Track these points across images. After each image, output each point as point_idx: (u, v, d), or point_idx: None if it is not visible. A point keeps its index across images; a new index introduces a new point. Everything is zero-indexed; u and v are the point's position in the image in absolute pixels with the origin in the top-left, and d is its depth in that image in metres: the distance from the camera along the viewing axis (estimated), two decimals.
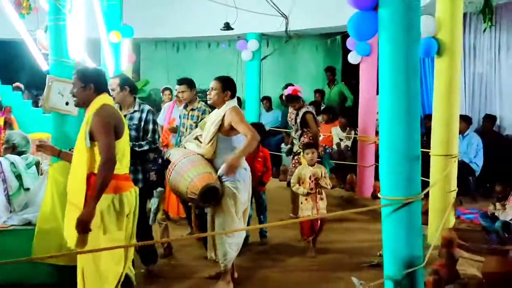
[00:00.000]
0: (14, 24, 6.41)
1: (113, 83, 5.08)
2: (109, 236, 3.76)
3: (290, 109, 7.63)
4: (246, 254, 5.82)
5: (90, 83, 3.78)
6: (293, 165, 7.37)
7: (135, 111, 5.13)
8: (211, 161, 4.81)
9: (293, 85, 7.59)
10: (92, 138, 3.66)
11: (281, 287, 5.04)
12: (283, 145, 10.88)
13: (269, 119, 11.20)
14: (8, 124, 7.16)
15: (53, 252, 4.87)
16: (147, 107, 5.22)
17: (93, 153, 3.69)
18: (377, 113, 9.21)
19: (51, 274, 4.92)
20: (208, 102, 5.07)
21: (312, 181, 5.85)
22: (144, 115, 5.12)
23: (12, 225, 5.04)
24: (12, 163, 5.22)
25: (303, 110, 7.36)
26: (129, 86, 5.12)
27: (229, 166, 4.65)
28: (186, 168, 4.66)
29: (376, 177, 8.51)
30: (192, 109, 6.02)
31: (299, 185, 6.00)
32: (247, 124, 4.83)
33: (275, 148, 10.70)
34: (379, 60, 3.72)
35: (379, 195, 3.69)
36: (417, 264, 3.51)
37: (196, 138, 5.15)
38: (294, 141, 7.59)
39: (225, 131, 4.78)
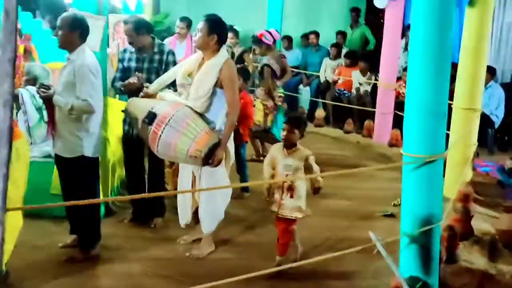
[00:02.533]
0: None
1: (127, 30, 4.99)
2: None
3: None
4: (259, 197, 5.86)
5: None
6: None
7: (154, 53, 4.99)
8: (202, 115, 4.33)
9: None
10: None
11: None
12: (301, 86, 10.79)
13: (289, 59, 11.01)
14: (28, 53, 7.10)
15: None
16: (167, 47, 5.09)
17: None
18: (399, 58, 9.16)
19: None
20: (193, 44, 4.59)
21: (283, 183, 4.26)
22: (164, 57, 4.99)
23: (32, 157, 5.08)
24: (33, 96, 5.21)
25: (264, 60, 7.11)
26: (144, 27, 4.99)
27: (219, 155, 4.22)
28: (185, 123, 4.15)
29: (394, 125, 8.47)
30: None
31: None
32: (236, 91, 4.39)
33: (293, 89, 10.60)
34: (412, 9, 3.58)
35: (401, 150, 3.65)
36: (435, 221, 3.50)
37: (169, 87, 4.68)
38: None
39: (220, 84, 4.32)
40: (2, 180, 0.60)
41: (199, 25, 4.35)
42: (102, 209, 5.20)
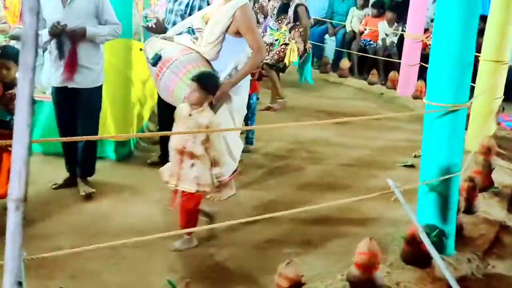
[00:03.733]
0: None
1: None
2: None
3: None
4: (280, 143, 5.92)
5: None
6: (277, 53, 7.42)
7: None
8: (210, 62, 4.18)
9: None
10: None
11: (317, 179, 5.14)
12: (327, 35, 10.65)
13: (315, 7, 10.85)
14: (39, 5, 7.11)
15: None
16: None
17: None
18: (428, 10, 8.97)
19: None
20: None
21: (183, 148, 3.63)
22: (191, 0, 4.95)
23: (44, 98, 5.14)
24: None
25: (296, 1, 7.24)
26: None
27: (222, 93, 3.91)
28: (185, 69, 3.99)
29: (419, 77, 8.37)
30: None
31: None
32: (258, 34, 4.20)
33: (319, 39, 10.49)
34: None
35: (424, 99, 3.64)
36: (455, 171, 3.51)
37: (190, 31, 4.53)
38: (270, 32, 7.58)
39: (233, 32, 4.11)
40: (29, 85, 0.63)
41: None
42: (126, 149, 5.30)
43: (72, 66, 4.27)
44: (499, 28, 5.69)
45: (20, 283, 0.80)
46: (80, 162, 4.54)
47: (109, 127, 5.08)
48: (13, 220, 0.78)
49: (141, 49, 4.59)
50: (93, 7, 4.25)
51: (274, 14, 7.53)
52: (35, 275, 3.19)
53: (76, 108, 4.41)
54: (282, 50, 7.37)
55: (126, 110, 5.21)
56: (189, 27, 4.56)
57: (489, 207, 4.48)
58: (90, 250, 3.36)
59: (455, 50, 3.42)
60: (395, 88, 8.76)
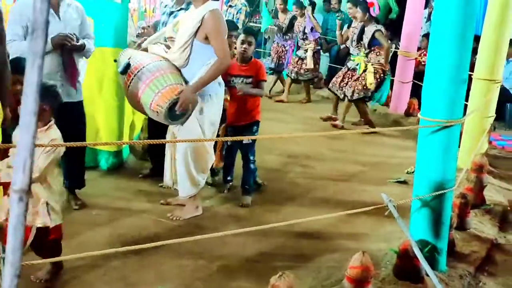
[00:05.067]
0: None
1: None
2: None
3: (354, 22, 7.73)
4: (274, 157, 5.92)
5: None
6: (360, 82, 7.59)
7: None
8: (180, 70, 4.13)
9: None
10: None
11: (309, 193, 5.12)
12: (321, 51, 10.69)
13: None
14: None
15: (89, 135, 5.01)
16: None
17: None
18: (421, 28, 9.05)
19: (88, 157, 5.05)
20: None
21: None
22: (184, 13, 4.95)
23: None
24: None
25: (372, 28, 7.41)
26: None
27: (185, 97, 3.87)
28: (153, 76, 3.93)
29: (412, 94, 8.42)
30: (230, 6, 5.58)
31: None
32: (224, 40, 4.06)
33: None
34: None
35: (418, 115, 3.65)
36: (448, 187, 3.52)
37: (165, 40, 4.46)
38: (352, 58, 7.84)
39: (202, 37, 4.02)
40: (38, 72, 0.62)
41: None
42: (118, 160, 5.27)
43: (74, 79, 4.17)
44: (491, 47, 5.75)
45: (19, 276, 0.79)
46: (68, 175, 4.41)
47: (102, 137, 5.06)
48: (15, 212, 0.77)
49: (115, 60, 4.53)
50: (79, 20, 4.19)
51: (354, 40, 7.68)
52: (25, 283, 3.14)
53: (65, 124, 4.02)
54: (364, 77, 7.51)
55: (119, 120, 5.19)
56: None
57: (481, 224, 4.49)
58: (81, 260, 3.35)
59: (450, 67, 3.45)
60: (387, 105, 8.80)
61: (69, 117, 3.90)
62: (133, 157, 5.57)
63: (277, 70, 9.38)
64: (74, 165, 4.40)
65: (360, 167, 6.05)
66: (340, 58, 10.20)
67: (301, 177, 5.54)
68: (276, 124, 7.29)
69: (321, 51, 10.60)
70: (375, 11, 7.39)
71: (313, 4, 10.85)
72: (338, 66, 10.10)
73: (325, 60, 10.56)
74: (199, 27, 4.00)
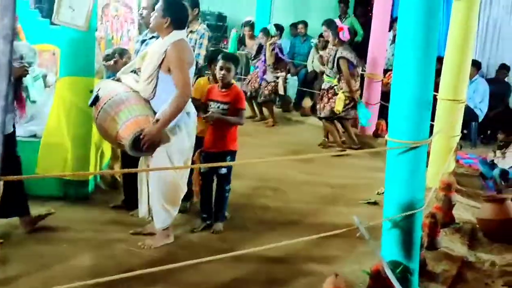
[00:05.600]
0: None
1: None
2: None
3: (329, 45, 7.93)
4: (245, 182, 5.91)
5: None
6: (330, 104, 7.72)
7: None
8: (148, 101, 4.11)
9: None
10: None
11: (281, 218, 5.12)
12: (289, 75, 10.80)
13: None
14: (14, 33, 7.05)
15: (58, 165, 4.95)
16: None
17: None
18: (387, 50, 9.22)
19: (56, 187, 5.01)
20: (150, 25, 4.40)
21: None
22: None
23: (17, 136, 5.06)
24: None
25: (339, 53, 7.56)
26: None
27: (150, 135, 3.89)
28: (118, 108, 3.95)
29: (380, 115, 8.54)
30: (191, 32, 5.44)
31: None
32: (185, 72, 4.02)
33: None
34: (400, 2, 3.62)
35: (386, 137, 3.70)
36: (418, 207, 3.56)
37: (135, 71, 4.43)
38: (328, 79, 7.92)
39: (166, 69, 4.01)
40: (2, 113, 0.62)
41: (157, 5, 4.15)
42: (86, 190, 5.20)
43: (23, 107, 4.16)
44: (454, 68, 5.89)
45: None
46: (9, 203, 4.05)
47: (69, 166, 4.99)
48: None
49: (91, 91, 4.49)
50: None
51: (330, 61, 7.76)
52: None
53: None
54: (334, 100, 7.64)
55: (87, 149, 5.13)
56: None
57: (451, 243, 4.55)
58: None
59: (414, 89, 3.52)
60: (356, 127, 8.89)
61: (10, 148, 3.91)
62: (103, 186, 5.50)
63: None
64: (14, 193, 4.19)
65: (331, 189, 6.08)
66: (308, 81, 10.31)
67: (272, 201, 5.54)
68: (245, 148, 7.28)
69: (289, 74, 10.74)
70: (344, 36, 7.48)
71: (281, 30, 11.02)
72: (307, 90, 10.22)
73: (293, 84, 10.66)
74: (163, 59, 4.00)
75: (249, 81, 9.35)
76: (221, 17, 11.97)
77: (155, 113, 4.04)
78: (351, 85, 7.57)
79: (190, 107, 4.19)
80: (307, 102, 9.85)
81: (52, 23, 5.41)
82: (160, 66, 4.02)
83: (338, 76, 7.67)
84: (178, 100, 3.97)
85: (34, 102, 5.34)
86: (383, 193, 4.11)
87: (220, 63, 4.57)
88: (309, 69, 10.40)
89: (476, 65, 8.54)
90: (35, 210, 4.71)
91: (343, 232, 3.50)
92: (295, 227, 4.87)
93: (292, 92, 10.57)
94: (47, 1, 10.59)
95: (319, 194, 5.87)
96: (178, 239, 4.42)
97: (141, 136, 3.89)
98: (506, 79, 9.46)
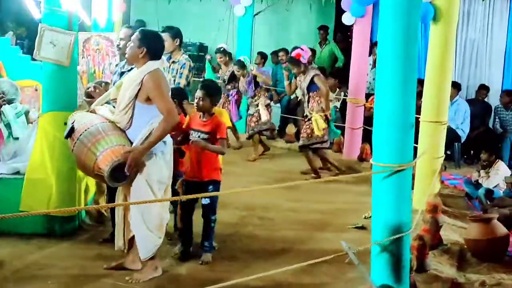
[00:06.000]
0: None
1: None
2: None
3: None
4: (231, 211, 5.88)
5: None
6: (305, 131, 7.60)
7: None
8: (125, 131, 4.11)
9: (299, 48, 7.55)
10: None
11: (268, 245, 5.09)
12: (272, 102, 10.85)
13: None
14: None
15: (42, 202, 4.90)
16: None
17: None
18: (368, 75, 9.34)
19: (41, 224, 4.95)
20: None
21: None
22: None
23: (0, 174, 5.03)
24: (1, 112, 5.17)
25: (311, 73, 7.44)
26: None
27: (132, 160, 3.88)
28: (95, 139, 3.95)
29: (364, 140, 8.59)
30: (173, 62, 5.50)
31: None
32: (167, 98, 4.05)
33: None
34: (379, 25, 3.68)
35: (370, 161, 3.73)
36: (405, 230, 3.58)
37: (109, 102, 4.43)
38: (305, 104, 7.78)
39: (143, 99, 4.03)
40: None
41: (133, 36, 4.19)
42: (72, 225, 5.14)
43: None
44: (436, 89, 5.97)
45: None
46: None
47: (54, 202, 4.94)
48: None
49: (65, 123, 4.45)
50: None
51: (304, 88, 7.63)
52: None
53: None
54: (308, 126, 7.51)
55: (71, 185, 5.08)
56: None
57: (440, 264, 4.55)
58: None
59: (396, 113, 3.57)
60: (340, 151, 8.94)
61: None
62: (89, 221, 5.43)
63: None
64: None
65: (318, 215, 6.07)
66: (291, 108, 10.36)
67: (259, 230, 5.50)
68: (230, 177, 7.27)
69: (272, 102, 10.80)
70: (305, 58, 7.46)
71: (264, 57, 11.13)
72: (290, 116, 10.27)
73: (276, 111, 10.70)
74: (139, 90, 4.01)
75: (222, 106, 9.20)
76: (202, 47, 12.04)
77: (131, 143, 4.04)
78: (328, 101, 7.49)
79: (166, 136, 4.17)
80: (291, 129, 9.89)
81: (33, 59, 5.40)
82: (136, 96, 4.03)
83: (307, 97, 7.56)
84: (164, 124, 3.97)
85: (16, 138, 5.31)
86: (370, 217, 4.12)
87: (197, 92, 4.60)
88: (292, 96, 10.45)
89: (456, 86, 8.66)
90: (20, 248, 4.67)
91: (332, 258, 3.50)
92: (284, 255, 4.84)
93: (275, 119, 10.61)
94: (28, 37, 10.66)
95: (306, 220, 5.85)
96: (166, 271, 4.37)
97: (120, 162, 3.86)
98: (485, 100, 9.58)
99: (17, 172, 5.09)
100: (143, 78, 4.00)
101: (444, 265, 4.58)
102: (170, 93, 4.20)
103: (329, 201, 6.57)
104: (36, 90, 6.57)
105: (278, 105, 10.73)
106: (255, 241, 5.20)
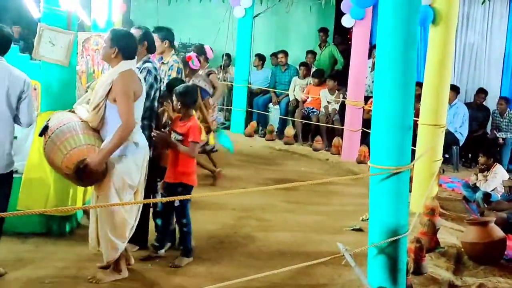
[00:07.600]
0: None
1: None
2: None
3: None
4: (228, 212, 5.89)
5: None
6: None
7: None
8: (98, 130, 4.08)
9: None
10: None
11: (265, 246, 5.09)
12: (270, 104, 10.88)
13: (259, 78, 11.15)
14: None
15: (40, 201, 4.89)
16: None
17: None
18: (367, 77, 9.34)
19: (38, 223, 4.95)
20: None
21: None
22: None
23: None
24: None
25: (196, 80, 6.95)
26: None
27: (92, 164, 3.86)
28: (64, 138, 3.92)
29: (362, 142, 8.60)
30: (163, 63, 5.45)
31: None
32: (128, 103, 3.98)
33: (263, 108, 10.78)
34: (378, 28, 3.69)
35: (368, 163, 3.73)
36: (402, 232, 3.58)
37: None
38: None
39: (113, 99, 3.99)
40: None
41: (105, 36, 4.18)
42: (70, 225, 5.14)
43: None
44: (434, 93, 5.98)
45: None
46: None
47: (51, 202, 4.93)
48: None
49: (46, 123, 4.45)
50: None
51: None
52: None
53: None
54: None
55: (69, 184, 5.07)
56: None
57: (437, 267, 4.55)
58: None
59: (395, 115, 3.57)
60: (339, 154, 8.94)
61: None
62: (87, 220, 5.42)
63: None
64: None
65: (315, 216, 6.07)
66: (291, 110, 10.39)
67: (256, 231, 5.50)
68: (228, 178, 7.28)
69: (271, 104, 10.82)
70: (194, 64, 7.21)
71: (263, 59, 11.14)
72: (289, 118, 10.29)
73: (276, 113, 10.73)
74: (109, 89, 3.99)
75: None
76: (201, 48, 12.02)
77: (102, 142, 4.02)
78: (204, 114, 6.83)
79: (139, 137, 4.13)
80: (289, 131, 9.90)
81: (32, 59, 5.39)
82: (107, 95, 4.00)
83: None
84: (121, 131, 3.94)
85: (15, 137, 5.28)
86: (367, 219, 4.12)
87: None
88: (291, 97, 10.48)
89: (455, 89, 8.67)
90: (17, 247, 4.67)
91: (329, 260, 3.50)
92: (281, 257, 4.84)
93: (274, 121, 10.64)
94: (23, 38, 10.64)
95: (303, 222, 5.85)
96: (133, 273, 4.31)
97: (84, 163, 3.84)
98: (484, 103, 9.59)
99: (15, 171, 5.07)
100: (114, 78, 3.99)
101: (441, 268, 4.58)
102: (144, 96, 4.18)
103: (326, 203, 6.58)
104: (35, 89, 6.55)
105: (277, 107, 10.74)
106: (252, 243, 5.20)
